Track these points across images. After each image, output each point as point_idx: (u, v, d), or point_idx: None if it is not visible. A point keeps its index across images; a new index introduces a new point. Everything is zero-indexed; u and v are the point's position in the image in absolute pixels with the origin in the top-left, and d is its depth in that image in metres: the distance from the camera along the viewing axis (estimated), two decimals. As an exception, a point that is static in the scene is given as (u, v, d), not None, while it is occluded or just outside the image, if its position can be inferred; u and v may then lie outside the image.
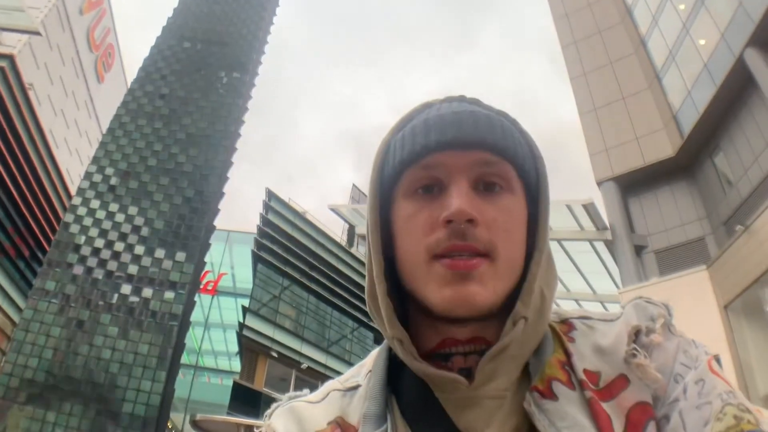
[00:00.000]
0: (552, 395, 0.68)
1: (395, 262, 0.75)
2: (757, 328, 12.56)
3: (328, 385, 0.85)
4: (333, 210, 33.58)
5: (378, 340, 31.43)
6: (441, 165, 0.71)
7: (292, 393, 0.85)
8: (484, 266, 0.67)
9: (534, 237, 0.73)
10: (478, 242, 0.67)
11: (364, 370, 0.83)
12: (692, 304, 12.98)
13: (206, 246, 20.05)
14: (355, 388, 0.81)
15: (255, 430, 0.84)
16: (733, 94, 14.91)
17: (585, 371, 0.71)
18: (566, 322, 0.80)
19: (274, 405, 0.83)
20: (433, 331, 0.73)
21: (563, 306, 0.86)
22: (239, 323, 25.45)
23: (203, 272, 22.38)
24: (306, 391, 0.85)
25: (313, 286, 29.13)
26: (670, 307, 0.76)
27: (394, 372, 0.78)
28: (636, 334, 0.73)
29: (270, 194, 29.26)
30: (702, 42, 16.03)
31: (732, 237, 13.24)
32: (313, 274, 29.18)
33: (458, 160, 0.70)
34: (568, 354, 0.74)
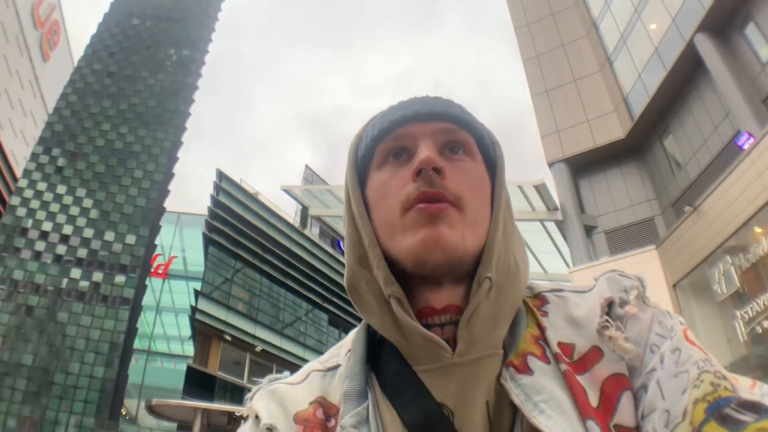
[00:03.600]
0: (527, 369, 0.69)
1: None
2: (705, 305, 12.95)
3: (309, 366, 0.86)
4: (286, 191, 33.32)
5: (332, 321, 31.51)
6: (408, 134, 0.77)
7: (272, 375, 0.85)
8: (453, 211, 0.71)
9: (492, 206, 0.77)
10: (447, 191, 0.71)
11: (344, 350, 0.84)
12: None
13: (156, 228, 19.74)
14: (335, 367, 0.82)
15: (236, 414, 0.83)
16: (683, 78, 15.23)
17: (559, 344, 0.72)
18: (539, 296, 0.81)
19: (255, 388, 0.83)
20: (410, 299, 0.73)
21: (541, 282, 0.89)
22: (191, 307, 25.17)
23: (154, 255, 22.03)
24: (286, 373, 0.86)
25: (266, 269, 28.93)
26: (643, 280, 0.78)
27: (374, 350, 0.79)
28: (609, 306, 0.74)
29: (221, 175, 28.83)
30: (653, 26, 16.30)
31: (680, 218, 13.57)
32: (266, 256, 28.96)
33: (423, 128, 0.77)
34: (541, 328, 0.75)
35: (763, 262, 11.07)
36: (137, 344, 24.80)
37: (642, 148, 17.44)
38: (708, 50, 13.80)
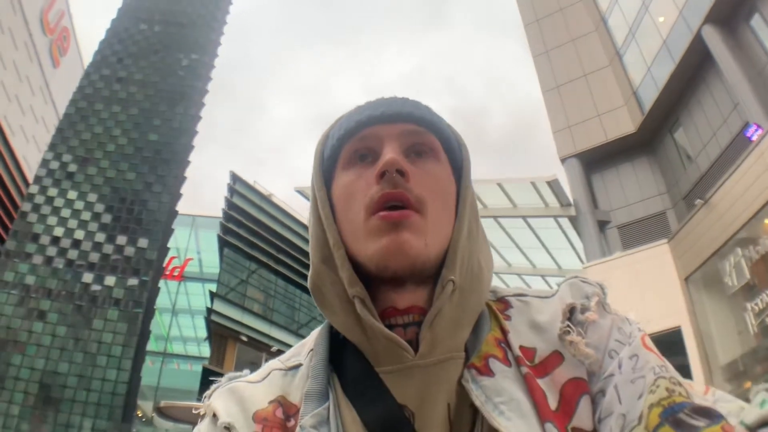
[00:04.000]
0: (489, 372, 0.71)
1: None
2: (717, 299, 12.82)
3: (269, 364, 0.85)
4: (299, 192, 33.39)
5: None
6: (373, 135, 0.77)
7: (231, 374, 0.85)
8: (416, 217, 0.72)
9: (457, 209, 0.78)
10: (410, 192, 0.72)
11: (305, 350, 0.84)
12: (654, 276, 13.23)
13: (169, 231, 19.83)
14: (297, 367, 0.82)
15: (193, 411, 0.81)
16: (692, 71, 15.09)
17: (521, 348, 0.74)
18: (502, 300, 0.82)
19: (213, 386, 0.83)
20: (373, 299, 0.74)
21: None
22: (207, 308, 25.32)
23: (168, 258, 22.16)
24: (246, 371, 0.86)
25: (281, 269, 29.07)
26: (604, 287, 0.80)
27: (336, 350, 0.79)
28: (570, 312, 0.76)
29: (234, 177, 29.00)
30: (661, 19, 16.15)
31: (692, 211, 13.45)
32: (281, 257, 29.09)
33: (389, 130, 0.77)
34: (504, 332, 0.76)
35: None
36: (153, 346, 25.03)
37: (653, 141, 17.29)
38: (715, 42, 13.65)
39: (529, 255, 22.73)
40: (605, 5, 19.40)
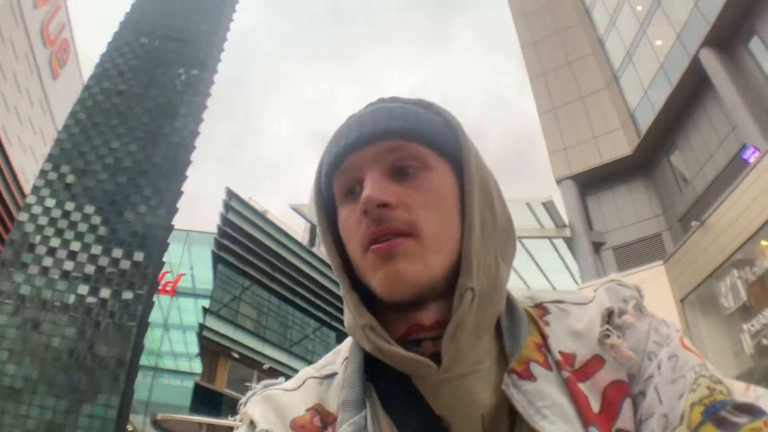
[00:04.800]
0: (530, 376, 0.70)
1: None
2: (712, 320, 12.86)
3: (304, 372, 0.85)
4: (294, 209, 33.43)
5: (340, 339, 31.34)
6: (354, 166, 0.74)
7: (267, 381, 0.85)
8: (407, 243, 0.69)
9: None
10: (398, 223, 0.70)
11: (340, 358, 0.84)
12: (650, 298, 12.54)
13: (165, 246, 19.69)
14: (332, 375, 0.82)
15: (230, 419, 0.82)
16: (689, 94, 15.24)
17: (561, 353, 0.73)
18: (540, 307, 0.82)
19: (249, 393, 0.83)
20: (399, 319, 0.74)
21: (540, 293, 0.89)
22: (199, 324, 25.16)
23: (162, 273, 22.03)
24: (281, 379, 0.85)
25: (275, 287, 28.93)
26: (641, 290, 0.80)
27: (371, 359, 0.77)
28: (609, 316, 0.75)
29: (230, 193, 28.96)
30: (658, 42, 16.34)
31: (688, 233, 13.52)
32: (275, 274, 28.95)
33: (367, 155, 0.74)
34: (544, 336, 0.75)
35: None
36: (144, 361, 24.78)
37: (649, 164, 17.41)
38: (713, 65, 13.81)
39: (524, 276, 22.73)
40: (603, 28, 19.62)
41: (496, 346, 0.75)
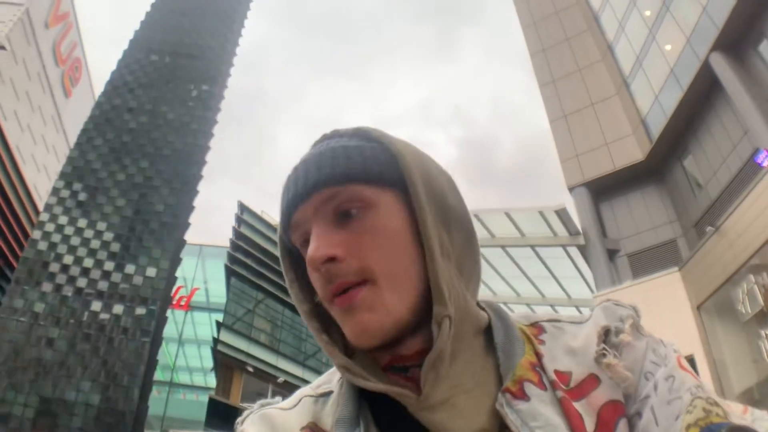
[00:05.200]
0: (524, 396, 0.69)
1: None
2: (729, 326, 12.71)
3: (300, 391, 0.85)
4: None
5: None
6: (300, 221, 0.73)
7: (263, 400, 0.84)
8: (364, 292, 0.68)
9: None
10: (349, 275, 0.69)
11: (336, 377, 0.83)
12: (666, 305, 13.10)
13: (177, 261, 19.83)
14: (328, 394, 0.81)
15: None
16: (700, 98, 15.13)
17: (556, 372, 0.73)
18: (536, 325, 0.81)
19: (245, 412, 0.82)
20: (382, 351, 0.73)
21: (538, 311, 0.86)
22: (213, 338, 25.22)
23: (176, 287, 22.14)
24: (278, 398, 0.85)
25: (288, 299, 28.93)
26: (638, 309, 0.78)
27: None
28: (605, 335, 0.75)
29: (242, 207, 29.12)
30: (668, 47, 16.25)
31: (703, 238, 13.39)
32: (284, 292, 29.01)
33: (307, 210, 0.72)
34: (538, 355, 0.75)
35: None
36: (159, 376, 24.88)
37: (662, 169, 17.28)
38: (723, 69, 13.72)
39: (538, 285, 22.61)
40: (612, 34, 19.55)
41: (491, 365, 0.74)
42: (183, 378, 34.80)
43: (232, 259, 27.40)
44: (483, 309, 0.79)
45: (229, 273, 27.50)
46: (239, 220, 28.57)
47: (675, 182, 16.84)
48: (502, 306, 0.82)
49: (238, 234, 28.10)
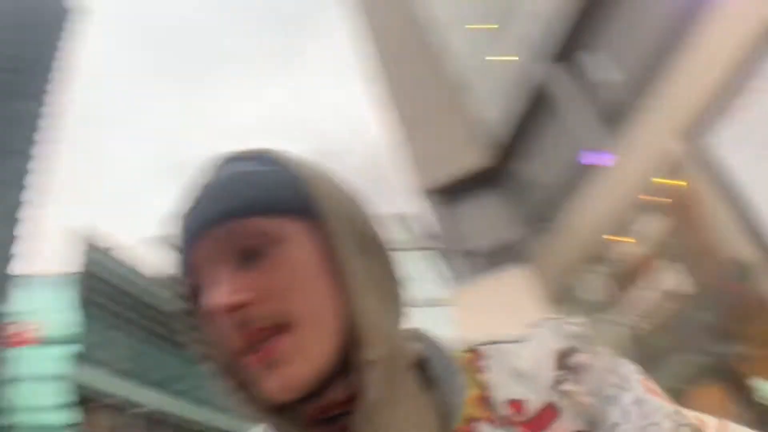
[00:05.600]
0: None
1: None
2: (574, 312, 13.34)
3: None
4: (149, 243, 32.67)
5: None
6: (194, 268, 0.64)
7: None
8: (282, 344, 0.61)
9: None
10: (262, 320, 0.61)
11: None
12: (515, 299, 13.62)
13: (4, 297, 18.47)
14: None
15: None
16: (536, 104, 15.78)
17: (508, 402, 0.66)
18: (474, 351, 0.73)
19: None
20: (305, 401, 0.64)
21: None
22: (64, 373, 24.17)
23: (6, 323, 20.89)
24: None
25: (144, 326, 28.31)
26: (589, 327, 0.72)
27: None
28: (561, 357, 0.68)
29: (83, 233, 27.87)
30: (503, 57, 16.85)
31: (546, 235, 14.03)
32: (140, 316, 28.29)
33: (201, 252, 0.63)
34: (484, 387, 0.68)
35: (622, 270, 11.53)
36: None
37: (503, 172, 17.91)
38: (555, 78, 14.38)
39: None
40: (447, 41, 20.06)
41: (431, 403, 0.66)
42: (30, 419, 32.66)
43: (77, 287, 26.26)
44: (412, 338, 0.71)
45: (78, 303, 26.39)
46: (81, 247, 27.36)
47: (518, 184, 17.54)
48: (432, 333, 0.75)
49: (79, 263, 26.93)
